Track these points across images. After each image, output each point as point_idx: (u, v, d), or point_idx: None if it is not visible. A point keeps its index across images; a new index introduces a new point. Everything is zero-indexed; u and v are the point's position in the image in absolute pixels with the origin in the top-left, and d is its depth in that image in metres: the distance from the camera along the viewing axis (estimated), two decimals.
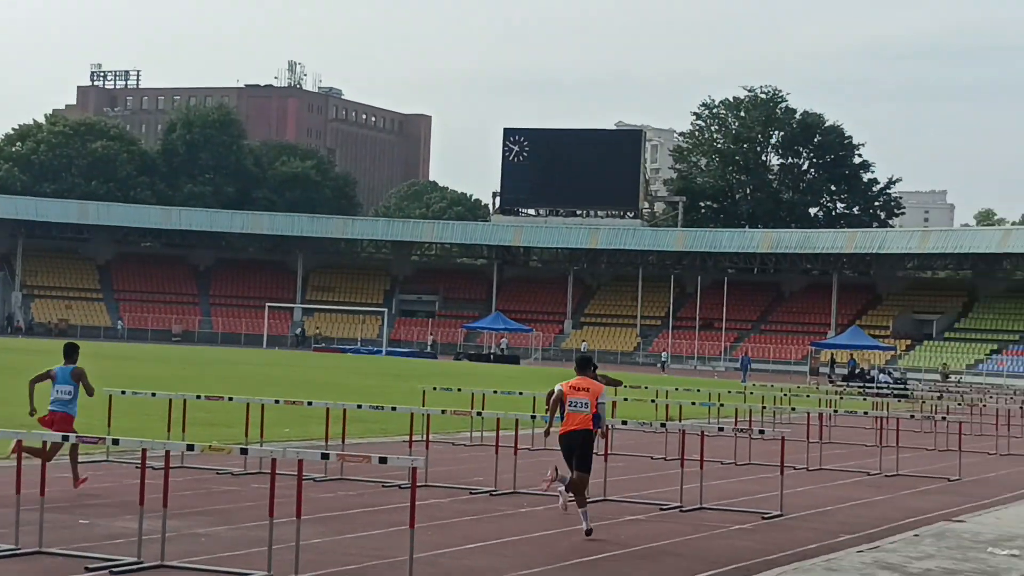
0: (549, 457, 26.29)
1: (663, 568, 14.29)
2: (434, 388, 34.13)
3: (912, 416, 33.92)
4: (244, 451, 14.00)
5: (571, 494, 16.67)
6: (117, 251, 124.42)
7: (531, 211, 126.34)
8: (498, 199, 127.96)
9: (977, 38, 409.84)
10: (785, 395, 44.18)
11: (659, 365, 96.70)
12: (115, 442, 14.58)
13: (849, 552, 15.53)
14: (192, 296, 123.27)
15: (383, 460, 12.73)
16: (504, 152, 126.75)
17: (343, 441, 22.60)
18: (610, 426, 22.51)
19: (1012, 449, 33.13)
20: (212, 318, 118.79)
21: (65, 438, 14.97)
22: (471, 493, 19.97)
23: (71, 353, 18.33)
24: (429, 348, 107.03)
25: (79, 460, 18.63)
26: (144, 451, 13.57)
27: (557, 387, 16.92)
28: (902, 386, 66.37)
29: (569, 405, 16.58)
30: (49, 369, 18.27)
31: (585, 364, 17.28)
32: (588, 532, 16.06)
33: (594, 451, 16.87)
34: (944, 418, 33.33)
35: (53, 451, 18.10)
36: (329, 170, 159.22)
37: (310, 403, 24.31)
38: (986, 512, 20.19)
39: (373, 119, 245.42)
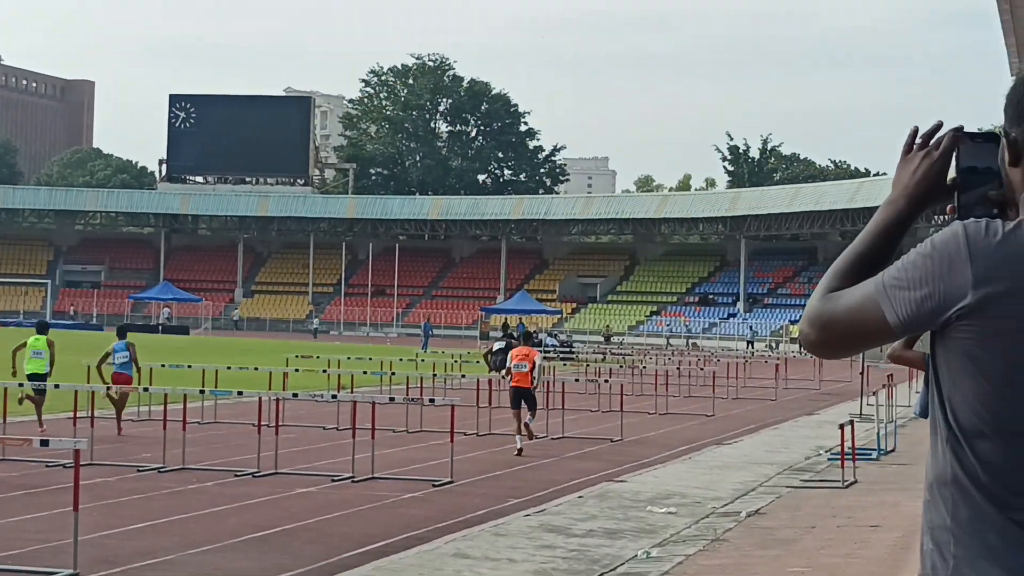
0: (217, 431, 26.10)
1: (334, 540, 14.36)
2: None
3: (577, 379, 34.89)
4: None
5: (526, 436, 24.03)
6: None
7: (199, 179, 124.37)
8: (165, 167, 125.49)
9: (639, 9, 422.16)
10: (456, 361, 44.83)
11: (312, 332, 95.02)
12: None
13: (517, 516, 15.94)
14: None
15: (44, 443, 12.46)
16: (171, 119, 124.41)
17: (4, 420, 21.89)
18: (280, 398, 22.51)
19: (670, 408, 34.44)
20: None
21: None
22: (139, 471, 19.64)
23: (123, 333, 26.47)
24: (94, 320, 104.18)
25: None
26: None
27: (510, 355, 25.58)
28: (568, 349, 68.15)
29: (514, 367, 24.63)
30: (107, 350, 25.92)
31: (528, 337, 27.12)
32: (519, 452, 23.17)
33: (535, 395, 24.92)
34: (607, 380, 34.41)
35: (121, 403, 25.15)
36: None
37: None
38: (646, 471, 20.98)
39: (34, 85, 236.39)
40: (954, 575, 2.72)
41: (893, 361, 11.60)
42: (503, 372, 26.51)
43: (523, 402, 24.24)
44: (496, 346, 35.45)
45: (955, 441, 2.76)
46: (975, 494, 2.72)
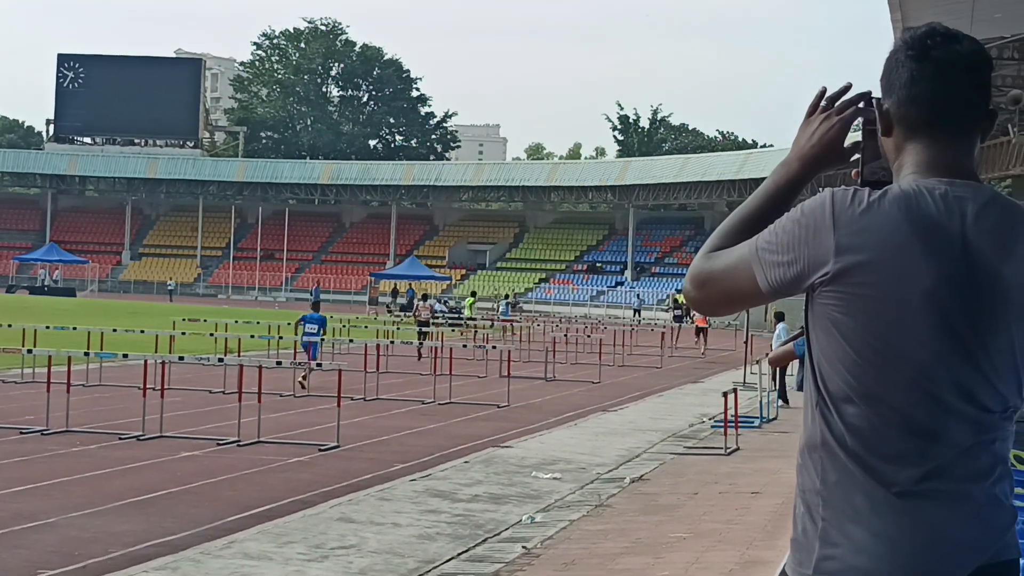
0: (102, 394, 25.84)
1: (219, 504, 14.32)
2: None
3: (465, 345, 34.97)
4: None
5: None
6: None
7: (87, 140, 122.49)
8: (52, 127, 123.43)
9: None
10: (344, 326, 44.67)
11: (167, 294, 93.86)
12: None
13: (402, 481, 15.98)
14: None
15: None
16: (59, 78, 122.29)
17: None
18: (166, 361, 22.32)
19: (557, 375, 34.65)
20: None
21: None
22: (22, 433, 19.41)
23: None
24: None
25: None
26: None
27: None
28: (456, 315, 68.09)
29: (697, 315, 39.14)
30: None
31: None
32: None
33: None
34: (495, 347, 34.52)
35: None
36: None
37: None
38: (531, 437, 21.12)
39: None
40: (822, 536, 2.80)
41: (773, 366, 11.77)
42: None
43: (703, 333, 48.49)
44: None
45: (824, 405, 2.82)
46: (843, 457, 2.78)
